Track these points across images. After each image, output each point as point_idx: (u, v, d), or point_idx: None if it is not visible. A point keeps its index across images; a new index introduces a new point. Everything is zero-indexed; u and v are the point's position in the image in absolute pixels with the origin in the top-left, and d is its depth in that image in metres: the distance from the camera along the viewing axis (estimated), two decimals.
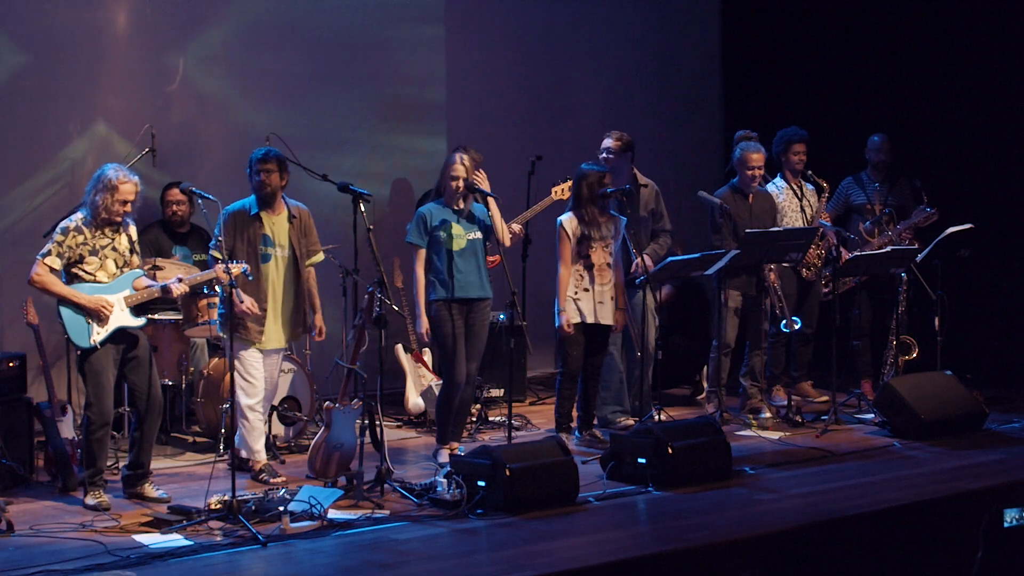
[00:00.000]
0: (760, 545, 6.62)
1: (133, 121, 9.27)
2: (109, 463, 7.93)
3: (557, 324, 8.52)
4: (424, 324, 8.11)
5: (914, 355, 9.80)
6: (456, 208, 8.11)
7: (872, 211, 9.94)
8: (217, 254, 7.69)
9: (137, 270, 7.36)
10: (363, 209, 7.63)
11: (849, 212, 10.17)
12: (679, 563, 6.34)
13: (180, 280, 7.38)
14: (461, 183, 8.03)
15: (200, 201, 7.33)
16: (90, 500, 7.20)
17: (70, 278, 7.20)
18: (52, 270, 7.13)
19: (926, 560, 6.96)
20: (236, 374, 7.68)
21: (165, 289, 7.31)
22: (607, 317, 8.50)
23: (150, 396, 7.33)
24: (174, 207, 9.12)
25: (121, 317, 7.23)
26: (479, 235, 8.15)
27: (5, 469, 7.53)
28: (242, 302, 7.59)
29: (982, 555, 6.31)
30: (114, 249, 7.27)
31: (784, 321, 9.15)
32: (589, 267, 8.46)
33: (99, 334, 7.16)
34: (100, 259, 7.22)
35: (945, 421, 8.74)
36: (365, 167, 10.41)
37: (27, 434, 7.80)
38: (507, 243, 8.12)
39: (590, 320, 8.46)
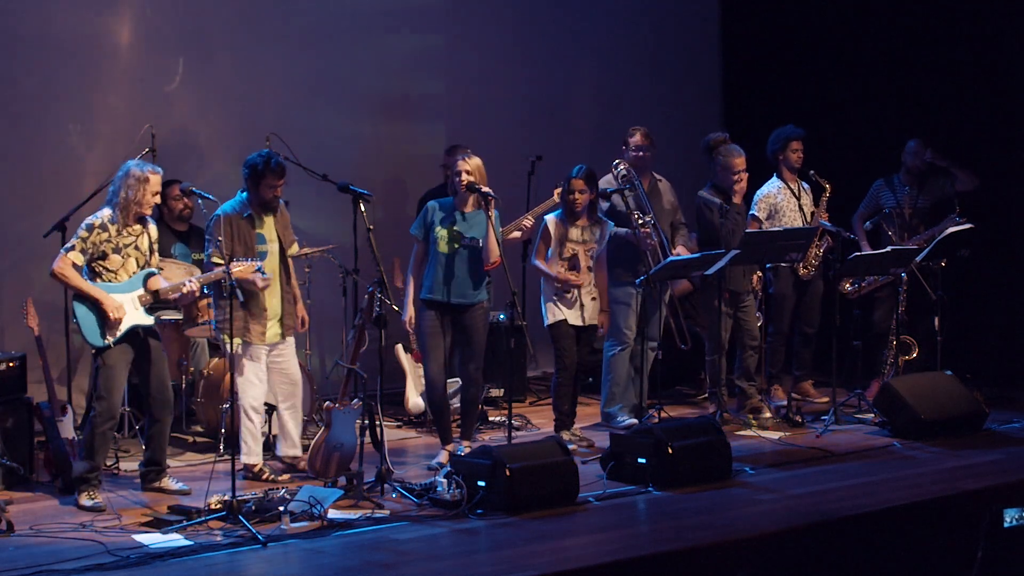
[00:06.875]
0: (760, 545, 6.62)
1: (133, 121, 9.26)
2: (109, 462, 7.92)
3: (546, 324, 8.51)
4: (408, 312, 8.03)
5: (914, 355, 9.79)
6: (462, 210, 7.98)
7: (900, 215, 9.91)
8: (218, 259, 7.54)
9: (152, 269, 7.37)
10: (363, 209, 7.63)
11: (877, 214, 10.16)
12: (679, 563, 6.33)
13: (191, 280, 7.38)
14: (464, 181, 7.91)
15: (200, 201, 7.34)
16: (85, 501, 7.13)
17: (91, 275, 7.22)
18: (75, 265, 7.15)
19: (926, 560, 6.96)
20: (242, 375, 7.68)
21: (175, 289, 7.31)
22: (586, 319, 8.49)
23: (160, 393, 7.35)
24: (172, 202, 9.09)
25: (134, 316, 7.25)
26: (475, 243, 7.93)
27: (5, 469, 7.53)
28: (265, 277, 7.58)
29: (982, 555, 6.32)
30: (136, 248, 7.29)
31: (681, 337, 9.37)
32: (571, 269, 8.45)
33: (113, 333, 7.18)
34: (123, 257, 7.25)
35: (945, 421, 8.74)
36: (365, 167, 10.40)
37: (27, 434, 7.78)
38: (494, 259, 7.86)
39: (572, 322, 8.47)
